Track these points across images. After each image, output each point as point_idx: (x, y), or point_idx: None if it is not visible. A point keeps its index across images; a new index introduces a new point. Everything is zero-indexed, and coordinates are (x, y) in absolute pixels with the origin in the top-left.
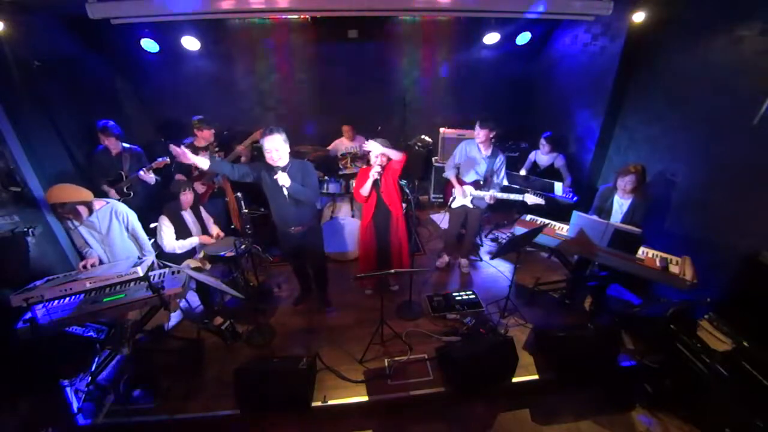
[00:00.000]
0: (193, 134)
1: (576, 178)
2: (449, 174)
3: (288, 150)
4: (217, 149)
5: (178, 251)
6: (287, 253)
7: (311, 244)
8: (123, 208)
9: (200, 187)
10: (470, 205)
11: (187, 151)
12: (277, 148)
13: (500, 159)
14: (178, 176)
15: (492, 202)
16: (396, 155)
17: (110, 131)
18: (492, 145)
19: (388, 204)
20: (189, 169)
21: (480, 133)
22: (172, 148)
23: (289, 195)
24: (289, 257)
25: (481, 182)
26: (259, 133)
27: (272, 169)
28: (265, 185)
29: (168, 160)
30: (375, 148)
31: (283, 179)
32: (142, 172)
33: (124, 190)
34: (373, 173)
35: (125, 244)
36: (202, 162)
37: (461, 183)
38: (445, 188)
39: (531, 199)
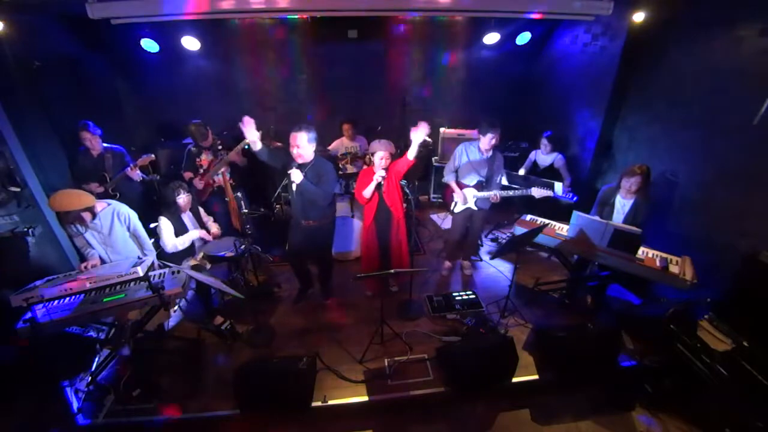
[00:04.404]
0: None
1: (576, 178)
2: (449, 179)
3: (312, 149)
4: (220, 147)
5: (180, 248)
6: (293, 245)
7: (319, 240)
8: (125, 209)
9: (199, 183)
10: (474, 208)
11: (252, 123)
12: (299, 145)
13: (499, 158)
14: (187, 174)
15: (497, 200)
16: (405, 162)
17: (89, 129)
18: (492, 146)
19: (389, 205)
20: (195, 167)
21: (484, 139)
22: (245, 119)
23: (298, 190)
24: (294, 250)
25: (483, 183)
26: (240, 146)
27: (292, 163)
28: (287, 176)
29: (153, 157)
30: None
31: (295, 175)
32: (129, 169)
33: (110, 191)
34: (377, 177)
35: (127, 244)
36: (256, 143)
37: (461, 187)
38: (445, 192)
39: (538, 192)
